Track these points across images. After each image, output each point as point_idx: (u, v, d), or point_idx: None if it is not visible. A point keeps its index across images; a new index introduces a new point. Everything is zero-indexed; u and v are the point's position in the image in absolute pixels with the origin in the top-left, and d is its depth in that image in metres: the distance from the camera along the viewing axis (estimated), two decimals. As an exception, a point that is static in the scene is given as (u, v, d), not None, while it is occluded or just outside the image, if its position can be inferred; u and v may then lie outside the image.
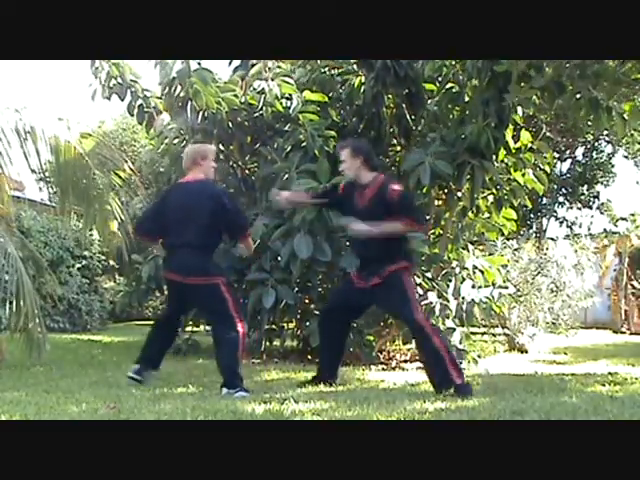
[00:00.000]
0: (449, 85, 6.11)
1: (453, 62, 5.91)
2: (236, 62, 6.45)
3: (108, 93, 6.39)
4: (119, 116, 16.29)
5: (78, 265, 10.73)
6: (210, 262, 4.22)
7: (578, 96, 5.01)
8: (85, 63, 6.63)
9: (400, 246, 4.16)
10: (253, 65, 6.16)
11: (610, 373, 5.28)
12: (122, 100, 6.51)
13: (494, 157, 5.84)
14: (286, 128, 6.09)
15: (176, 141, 6.45)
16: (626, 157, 16.90)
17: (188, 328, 6.87)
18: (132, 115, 6.75)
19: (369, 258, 4.16)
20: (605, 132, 14.56)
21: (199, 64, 5.97)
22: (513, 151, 6.17)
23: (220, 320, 4.11)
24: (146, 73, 6.98)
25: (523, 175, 6.35)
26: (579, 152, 16.81)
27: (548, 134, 12.24)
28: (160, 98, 6.53)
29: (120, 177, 5.59)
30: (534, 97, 5.30)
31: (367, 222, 4.00)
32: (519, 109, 5.89)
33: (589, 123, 5.85)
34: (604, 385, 4.41)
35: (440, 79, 6.20)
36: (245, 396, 3.74)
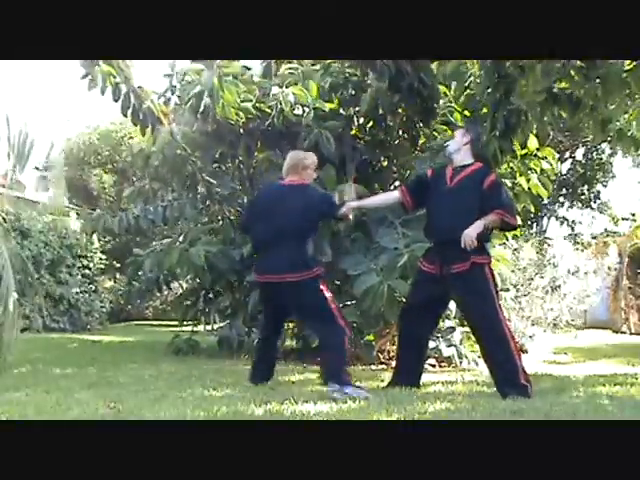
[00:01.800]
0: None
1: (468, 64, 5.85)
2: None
3: (102, 90, 6.18)
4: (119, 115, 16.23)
5: (78, 265, 10.75)
6: None
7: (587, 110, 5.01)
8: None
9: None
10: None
11: (610, 373, 5.27)
12: (116, 101, 6.32)
13: (499, 164, 5.80)
14: (298, 131, 6.00)
15: (178, 152, 6.36)
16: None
17: (188, 328, 6.87)
18: (125, 116, 6.53)
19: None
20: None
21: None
22: (519, 157, 6.13)
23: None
24: (145, 72, 6.86)
25: (528, 181, 6.32)
26: (579, 152, 16.81)
27: (551, 133, 12.18)
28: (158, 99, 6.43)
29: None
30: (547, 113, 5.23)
31: (453, 205, 3.93)
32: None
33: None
34: (604, 385, 4.40)
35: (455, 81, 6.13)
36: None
